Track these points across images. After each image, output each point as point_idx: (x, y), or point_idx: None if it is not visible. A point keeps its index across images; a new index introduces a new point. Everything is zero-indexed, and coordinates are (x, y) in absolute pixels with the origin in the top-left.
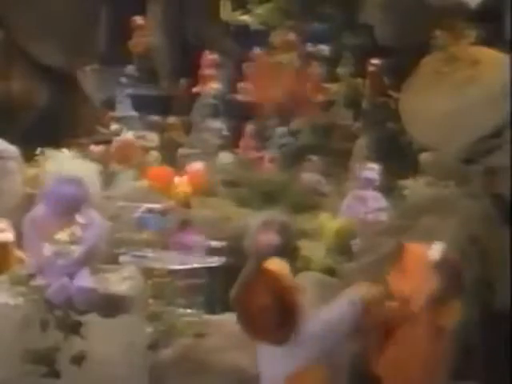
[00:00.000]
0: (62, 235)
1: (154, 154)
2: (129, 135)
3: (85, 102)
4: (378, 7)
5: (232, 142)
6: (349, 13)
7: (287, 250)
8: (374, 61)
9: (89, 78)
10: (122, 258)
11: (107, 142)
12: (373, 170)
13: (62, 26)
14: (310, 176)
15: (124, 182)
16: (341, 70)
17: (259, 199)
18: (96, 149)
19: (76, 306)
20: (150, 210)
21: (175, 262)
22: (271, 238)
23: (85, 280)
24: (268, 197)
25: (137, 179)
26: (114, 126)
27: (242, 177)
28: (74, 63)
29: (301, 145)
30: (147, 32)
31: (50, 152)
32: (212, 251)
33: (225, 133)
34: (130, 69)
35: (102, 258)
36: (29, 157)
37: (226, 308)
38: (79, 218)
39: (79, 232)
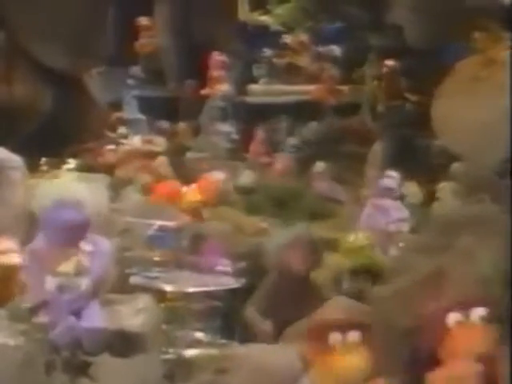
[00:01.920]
0: (67, 267)
1: (162, 158)
2: (136, 139)
3: (91, 105)
4: (408, 7)
5: (242, 145)
6: (375, 12)
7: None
8: (389, 62)
9: (94, 80)
10: (132, 279)
11: (115, 146)
12: (392, 178)
13: (67, 27)
14: (324, 182)
15: (133, 194)
16: (364, 72)
17: (271, 207)
18: (104, 155)
19: (85, 348)
20: (162, 228)
21: (190, 283)
22: (301, 257)
23: (94, 318)
24: (281, 204)
25: (146, 191)
26: (121, 130)
27: (256, 184)
28: (80, 65)
29: (314, 150)
30: (154, 33)
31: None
32: (231, 271)
33: (234, 136)
34: (137, 70)
35: (111, 285)
36: (33, 166)
37: (246, 333)
38: (85, 246)
39: (85, 261)
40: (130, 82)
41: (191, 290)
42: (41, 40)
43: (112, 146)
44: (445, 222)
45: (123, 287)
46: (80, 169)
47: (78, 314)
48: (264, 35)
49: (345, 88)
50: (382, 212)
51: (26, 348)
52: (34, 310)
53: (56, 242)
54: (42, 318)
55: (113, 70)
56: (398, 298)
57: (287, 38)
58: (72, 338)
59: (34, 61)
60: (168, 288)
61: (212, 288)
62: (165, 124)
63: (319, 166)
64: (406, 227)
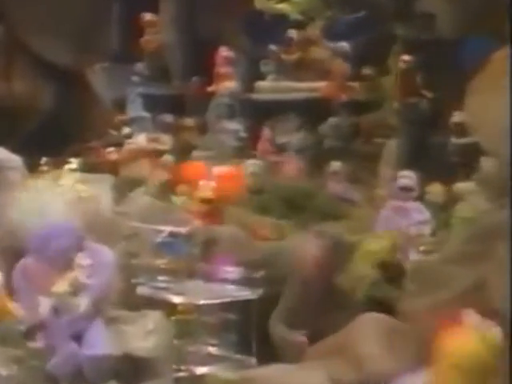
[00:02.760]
0: (62, 285)
1: (167, 157)
2: (141, 138)
3: (94, 102)
4: None
5: (249, 144)
6: (403, 0)
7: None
8: (406, 57)
9: (98, 77)
10: (139, 290)
11: (119, 145)
12: (409, 178)
13: (69, 20)
14: (336, 182)
15: (140, 195)
16: (391, 63)
17: (282, 207)
18: (109, 155)
19: (87, 378)
20: (173, 234)
21: (202, 294)
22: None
23: (97, 343)
24: (292, 205)
25: (154, 191)
26: (125, 129)
27: (266, 183)
28: (82, 60)
29: (325, 148)
30: (159, 29)
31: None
32: (246, 280)
33: (242, 134)
34: (141, 67)
35: (116, 299)
36: (33, 166)
37: (264, 348)
38: (81, 259)
39: (83, 277)
40: (135, 79)
41: (204, 302)
42: (41, 34)
43: (116, 145)
44: (481, 229)
45: (129, 299)
46: (83, 168)
47: (78, 337)
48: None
49: (356, 85)
50: (401, 214)
51: (19, 378)
52: (29, 334)
53: (48, 260)
54: (38, 343)
55: (117, 67)
56: (435, 312)
57: (295, 33)
58: (73, 367)
59: (35, 56)
60: (178, 300)
61: (226, 299)
62: (169, 118)
63: (335, 165)
64: (427, 230)
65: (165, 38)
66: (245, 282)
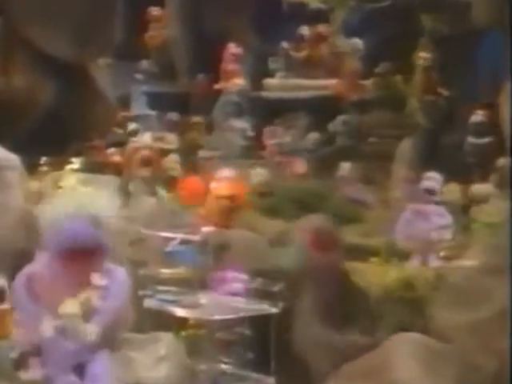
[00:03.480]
0: (71, 306)
1: (173, 157)
2: (146, 136)
3: (97, 98)
4: None
5: (257, 143)
6: None
7: None
8: (425, 54)
9: (101, 74)
10: (146, 303)
11: (123, 144)
12: (433, 180)
13: (70, 12)
14: (349, 184)
15: (146, 198)
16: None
17: (292, 209)
18: (113, 155)
19: None
20: (184, 241)
21: (216, 308)
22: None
23: (102, 379)
24: (303, 206)
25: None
26: (130, 127)
27: (275, 185)
28: (84, 54)
29: (336, 148)
30: (165, 24)
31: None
32: (264, 292)
33: (249, 133)
34: (146, 64)
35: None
36: (32, 166)
37: (283, 367)
38: (97, 279)
39: (96, 299)
40: (139, 76)
41: (218, 317)
42: (41, 26)
43: (120, 145)
44: None
45: (135, 313)
46: (86, 168)
47: (81, 368)
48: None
49: (368, 83)
50: (422, 218)
51: None
52: (22, 361)
53: (62, 268)
54: (33, 373)
55: (121, 64)
56: (476, 331)
57: (305, 30)
58: None
59: (34, 49)
60: (190, 314)
61: (243, 314)
62: (175, 116)
63: (346, 166)
64: (448, 235)
65: (170, 33)
66: (262, 294)
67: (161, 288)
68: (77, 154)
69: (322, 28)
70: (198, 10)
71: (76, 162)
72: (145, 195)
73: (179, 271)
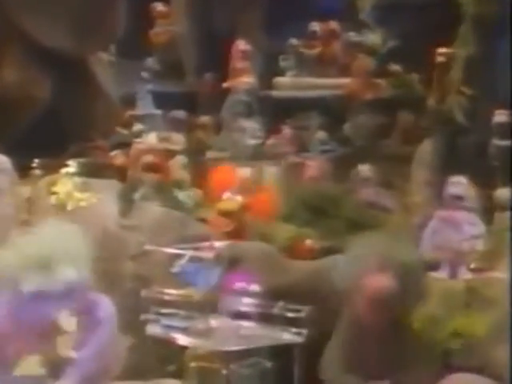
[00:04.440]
0: (34, 363)
1: (180, 158)
2: (151, 137)
3: (99, 95)
4: None
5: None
6: None
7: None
8: (445, 50)
9: (103, 69)
10: (149, 329)
11: (127, 145)
12: (460, 185)
13: (69, 1)
14: (370, 188)
15: (150, 205)
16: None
17: (306, 214)
18: (117, 157)
19: None
20: (194, 259)
21: (230, 336)
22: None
23: None
24: (317, 212)
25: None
26: (135, 126)
27: (287, 187)
28: (84, 46)
29: (351, 150)
30: (171, 20)
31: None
32: (287, 318)
33: (259, 134)
34: (152, 62)
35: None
36: (24, 169)
37: None
38: (66, 321)
39: (66, 349)
40: (145, 75)
41: (233, 348)
42: (36, 15)
43: (124, 145)
44: None
45: (136, 341)
46: (87, 172)
47: None
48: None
49: (382, 81)
50: (452, 226)
51: None
52: None
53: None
54: None
55: (125, 62)
56: None
57: (317, 26)
58: None
59: (29, 40)
60: (200, 344)
61: (261, 344)
62: (181, 116)
63: (366, 169)
64: (480, 245)
65: (177, 30)
66: (285, 319)
67: (166, 311)
68: (76, 156)
69: (334, 24)
70: (205, 6)
71: (72, 166)
72: (150, 202)
73: (188, 292)
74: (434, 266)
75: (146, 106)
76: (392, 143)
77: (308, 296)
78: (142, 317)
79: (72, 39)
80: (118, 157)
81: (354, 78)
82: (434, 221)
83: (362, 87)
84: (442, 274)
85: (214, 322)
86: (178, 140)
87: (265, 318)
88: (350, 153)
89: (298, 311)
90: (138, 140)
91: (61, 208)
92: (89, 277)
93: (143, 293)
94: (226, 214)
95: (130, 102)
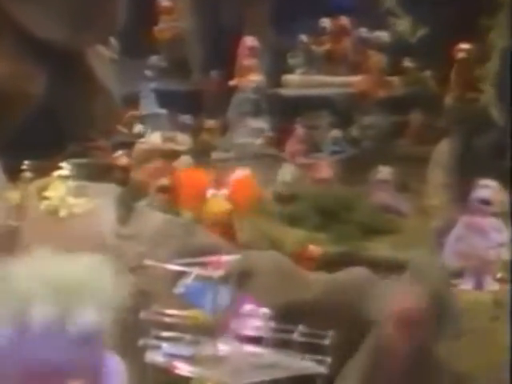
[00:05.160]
0: None
1: (186, 159)
2: (155, 137)
3: (97, 92)
4: None
5: (277, 144)
6: None
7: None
8: (465, 45)
9: (103, 64)
10: (149, 357)
11: (129, 145)
12: (490, 189)
13: None
14: (384, 190)
15: (152, 212)
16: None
17: (317, 218)
18: (119, 159)
19: None
20: (200, 278)
21: (241, 365)
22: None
23: None
24: (329, 215)
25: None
26: (137, 127)
27: (298, 190)
28: (81, 38)
29: (363, 151)
30: (176, 16)
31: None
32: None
33: (268, 134)
34: (156, 59)
35: None
36: (15, 172)
37: None
38: None
39: None
40: (148, 73)
41: (246, 381)
42: (29, 5)
43: (126, 146)
44: None
45: (132, 371)
46: (86, 173)
47: None
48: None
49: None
50: (478, 234)
51: None
52: None
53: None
54: None
55: (128, 60)
56: None
57: (326, 22)
58: None
59: (22, 31)
60: (208, 375)
61: (279, 375)
62: (188, 119)
63: (384, 171)
64: (506, 254)
65: (182, 26)
66: (306, 346)
67: (169, 335)
68: (74, 157)
69: (345, 20)
70: (211, 1)
71: (66, 168)
72: (151, 209)
73: (194, 314)
74: (457, 275)
75: (149, 105)
76: (405, 143)
77: (328, 314)
78: (141, 342)
79: (66, 30)
80: (120, 158)
81: (365, 75)
82: (458, 227)
83: (373, 85)
84: (466, 285)
85: (223, 348)
86: (184, 140)
87: (282, 344)
88: (362, 154)
89: (321, 337)
90: (141, 140)
91: (52, 215)
92: (108, 328)
93: (142, 314)
94: (219, 215)
95: (133, 101)
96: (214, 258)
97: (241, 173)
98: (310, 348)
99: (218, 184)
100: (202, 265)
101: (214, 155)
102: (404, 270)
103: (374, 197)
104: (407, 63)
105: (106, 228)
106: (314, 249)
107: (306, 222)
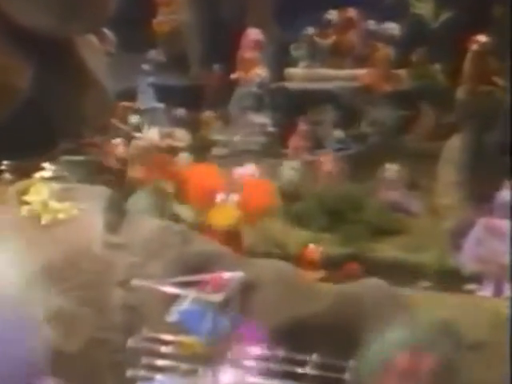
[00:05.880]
0: None
1: (184, 155)
2: (153, 132)
3: (88, 85)
4: None
5: (280, 140)
6: None
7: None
8: (482, 37)
9: (98, 58)
10: None
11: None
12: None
13: None
14: (392, 189)
15: (146, 218)
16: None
17: (324, 218)
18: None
19: None
20: (197, 301)
21: None
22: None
23: None
24: (336, 215)
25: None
26: (135, 122)
27: (303, 188)
28: (69, 27)
29: (370, 147)
30: (175, 8)
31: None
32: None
33: (270, 129)
34: (155, 53)
35: None
36: None
37: None
38: None
39: None
40: (146, 67)
41: None
42: None
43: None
44: None
45: None
46: (80, 171)
47: None
48: None
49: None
50: (499, 238)
51: None
52: None
53: None
54: None
55: (125, 54)
56: None
57: (332, 14)
58: None
59: (8, 21)
60: None
61: None
62: (185, 110)
63: (391, 169)
64: None
65: (181, 18)
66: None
67: (161, 364)
68: (66, 154)
69: (352, 12)
70: None
71: (49, 168)
72: (146, 214)
73: (189, 341)
74: (476, 279)
75: (148, 100)
76: (414, 139)
77: (336, 331)
78: (130, 372)
79: (53, 19)
80: (118, 148)
81: (372, 68)
82: (478, 230)
83: (380, 78)
84: (485, 291)
85: (223, 379)
86: (182, 136)
87: (291, 375)
88: (368, 150)
89: (339, 370)
90: (138, 135)
91: (34, 221)
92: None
93: (131, 341)
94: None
95: (131, 96)
96: (213, 276)
97: (250, 169)
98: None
99: (229, 187)
100: (201, 284)
101: (215, 151)
102: (414, 274)
103: (381, 195)
104: (416, 55)
105: (94, 236)
106: (314, 249)
107: (311, 222)
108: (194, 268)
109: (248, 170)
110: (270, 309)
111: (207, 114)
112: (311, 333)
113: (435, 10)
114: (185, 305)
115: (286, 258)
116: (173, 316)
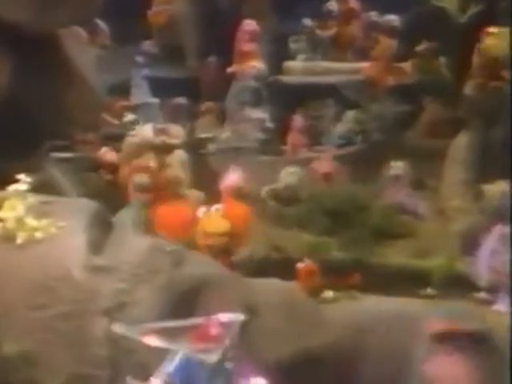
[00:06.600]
0: None
1: (179, 153)
2: (147, 129)
3: (74, 82)
4: None
5: (278, 136)
6: None
7: None
8: (491, 29)
9: (84, 53)
10: None
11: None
12: None
13: None
14: (398, 189)
15: (133, 236)
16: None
17: (325, 220)
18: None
19: None
20: (190, 357)
21: None
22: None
23: None
24: (338, 217)
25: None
26: (128, 117)
27: (303, 190)
28: (51, 19)
29: (371, 143)
30: None
31: None
32: None
33: (268, 124)
34: (149, 45)
35: None
36: None
37: None
38: None
39: None
40: (140, 59)
41: None
42: None
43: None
44: None
45: None
46: (72, 170)
47: None
48: None
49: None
50: None
51: None
52: None
53: None
54: None
55: (118, 46)
56: None
57: (333, 5)
58: None
59: None
60: None
61: None
62: (181, 105)
63: (397, 167)
64: None
65: (177, 9)
66: None
67: None
68: (56, 151)
69: (354, 3)
70: None
71: (24, 181)
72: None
73: None
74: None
75: (140, 94)
76: (417, 136)
77: (348, 363)
78: None
79: (32, 9)
80: (108, 154)
81: (374, 61)
82: (493, 238)
83: (382, 71)
84: (501, 306)
85: None
86: (177, 132)
87: None
88: (371, 147)
89: None
90: (131, 132)
91: (7, 241)
92: None
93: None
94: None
95: (124, 90)
96: (209, 321)
97: (233, 177)
98: None
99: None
100: (194, 332)
101: (212, 148)
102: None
103: (386, 196)
104: (421, 49)
105: (75, 258)
106: (308, 263)
107: (311, 226)
108: (186, 294)
109: (231, 178)
110: (271, 339)
111: (203, 109)
112: (318, 367)
113: (462, 3)
114: (174, 364)
115: (285, 262)
116: (160, 377)
